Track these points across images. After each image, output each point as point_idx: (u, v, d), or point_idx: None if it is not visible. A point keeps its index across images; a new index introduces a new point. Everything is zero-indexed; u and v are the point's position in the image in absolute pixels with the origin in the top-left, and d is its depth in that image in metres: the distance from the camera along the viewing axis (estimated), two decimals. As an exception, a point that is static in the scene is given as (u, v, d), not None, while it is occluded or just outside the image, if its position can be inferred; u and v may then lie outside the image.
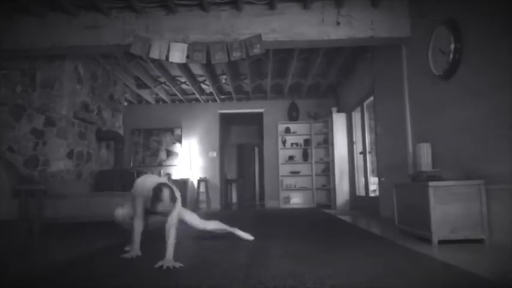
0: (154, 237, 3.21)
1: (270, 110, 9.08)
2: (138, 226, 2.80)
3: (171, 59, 4.39)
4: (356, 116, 7.23)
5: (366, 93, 6.38)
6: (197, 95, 8.47)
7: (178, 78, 7.62)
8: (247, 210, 8.16)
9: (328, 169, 8.28)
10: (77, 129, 5.61)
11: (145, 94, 8.37)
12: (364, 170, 6.69)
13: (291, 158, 8.73)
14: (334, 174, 7.74)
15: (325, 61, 6.70)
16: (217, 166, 9.00)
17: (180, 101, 9.00)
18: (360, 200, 6.95)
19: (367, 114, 6.66)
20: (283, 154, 8.77)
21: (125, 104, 7.96)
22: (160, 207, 2.49)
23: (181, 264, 2.34)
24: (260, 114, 9.22)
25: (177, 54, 4.38)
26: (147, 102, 8.97)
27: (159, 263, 2.34)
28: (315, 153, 8.63)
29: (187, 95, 8.73)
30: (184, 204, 8.19)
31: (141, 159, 8.91)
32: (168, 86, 7.89)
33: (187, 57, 4.42)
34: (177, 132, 8.97)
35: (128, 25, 4.49)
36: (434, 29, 3.68)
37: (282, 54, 6.29)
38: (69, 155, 5.38)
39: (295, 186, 8.63)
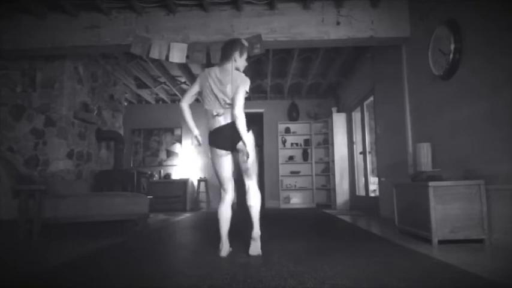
0: (155, 239, 3.21)
1: (270, 110, 9.08)
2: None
3: (171, 59, 4.40)
4: (356, 116, 7.23)
5: (366, 93, 6.38)
6: (197, 95, 8.45)
7: (178, 78, 7.62)
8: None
9: (328, 169, 8.28)
10: (77, 129, 5.60)
11: (145, 94, 8.37)
12: (364, 170, 6.69)
13: (291, 158, 8.72)
14: (334, 174, 7.74)
15: (325, 61, 6.70)
16: (217, 166, 8.98)
17: (180, 100, 8.98)
18: (360, 200, 6.95)
19: (367, 114, 6.66)
20: (283, 154, 8.76)
21: (125, 104, 7.95)
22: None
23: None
24: (260, 114, 9.22)
25: (177, 54, 4.38)
26: (147, 102, 8.97)
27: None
28: (315, 153, 8.63)
29: (187, 95, 8.70)
30: (184, 204, 8.24)
31: (141, 159, 8.91)
32: (168, 86, 7.89)
33: (187, 57, 4.43)
34: (177, 132, 8.97)
35: (128, 25, 4.49)
36: (435, 29, 3.68)
37: (282, 54, 6.29)
38: (69, 155, 5.37)
39: (295, 186, 8.63)
